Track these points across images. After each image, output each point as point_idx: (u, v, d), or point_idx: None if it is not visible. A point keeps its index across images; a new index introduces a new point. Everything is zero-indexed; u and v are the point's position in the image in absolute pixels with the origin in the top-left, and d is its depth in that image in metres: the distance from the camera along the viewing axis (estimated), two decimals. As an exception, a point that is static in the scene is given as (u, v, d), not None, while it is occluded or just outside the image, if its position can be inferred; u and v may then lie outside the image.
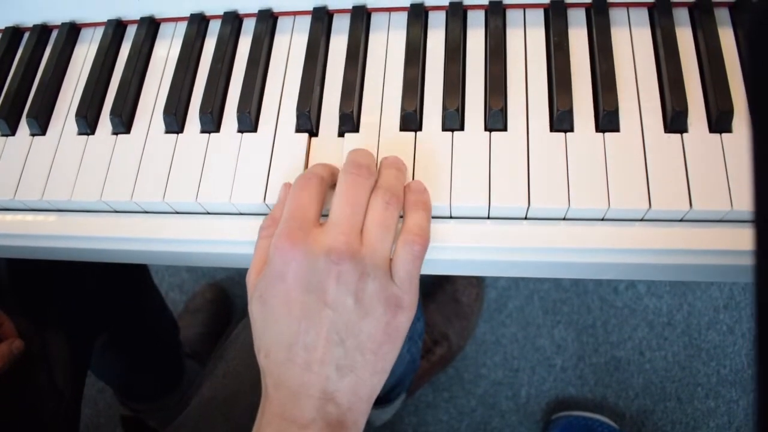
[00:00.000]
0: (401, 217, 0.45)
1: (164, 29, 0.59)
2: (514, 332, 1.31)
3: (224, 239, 0.51)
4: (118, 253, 0.55)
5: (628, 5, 0.52)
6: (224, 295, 1.36)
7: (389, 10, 0.55)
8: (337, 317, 0.41)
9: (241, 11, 0.57)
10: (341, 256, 0.40)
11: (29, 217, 0.54)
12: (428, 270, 0.50)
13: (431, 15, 0.54)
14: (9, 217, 0.54)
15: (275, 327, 0.42)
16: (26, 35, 0.61)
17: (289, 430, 0.40)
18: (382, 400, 1.09)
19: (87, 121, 0.54)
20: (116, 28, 0.59)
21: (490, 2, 0.53)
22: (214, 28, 0.58)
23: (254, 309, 0.44)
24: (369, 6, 0.55)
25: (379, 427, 1.24)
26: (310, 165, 0.50)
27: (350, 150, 0.47)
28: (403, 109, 0.50)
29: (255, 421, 0.43)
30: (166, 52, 0.58)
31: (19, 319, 0.70)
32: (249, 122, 0.52)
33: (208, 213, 0.52)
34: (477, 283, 1.31)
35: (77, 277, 0.82)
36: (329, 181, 0.46)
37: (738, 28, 0.50)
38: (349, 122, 0.50)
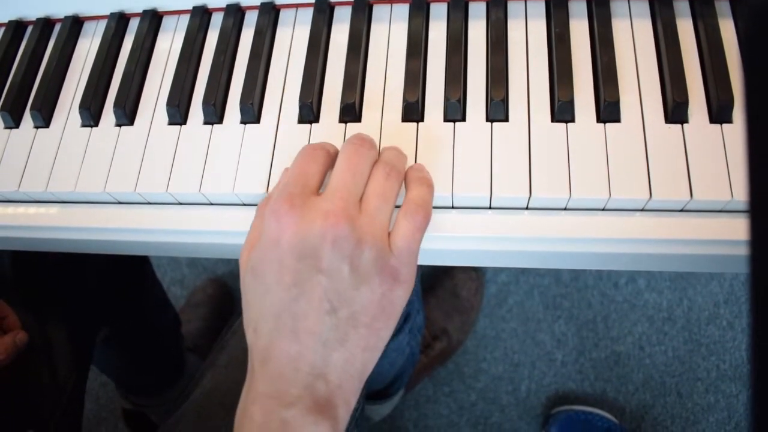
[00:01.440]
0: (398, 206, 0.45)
1: (167, 22, 0.59)
2: (514, 327, 1.31)
3: (227, 230, 0.51)
4: (121, 244, 0.55)
5: (629, -3, 0.53)
6: (225, 290, 1.36)
7: (391, 1, 0.55)
8: (330, 284, 0.39)
9: (243, 4, 0.58)
10: (338, 220, 0.39)
11: (33, 208, 0.54)
12: (430, 260, 0.51)
13: (433, 6, 0.55)
14: (13, 208, 0.55)
15: (265, 297, 0.40)
16: (29, 28, 0.62)
17: (274, 409, 0.38)
18: (381, 394, 1.10)
19: (90, 113, 0.55)
20: (119, 22, 0.59)
21: (491, -6, 0.53)
22: (216, 21, 0.58)
23: (246, 281, 0.42)
24: (371, -2, 0.56)
25: (379, 421, 1.25)
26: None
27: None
28: (405, 100, 0.50)
29: (240, 400, 0.41)
30: (169, 44, 0.58)
31: (22, 312, 0.70)
32: (252, 113, 0.52)
33: (212, 204, 0.52)
34: (476, 277, 1.31)
35: (80, 271, 0.82)
36: (334, 158, 0.45)
37: (738, 19, 0.51)
38: (351, 113, 0.51)
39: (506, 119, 0.49)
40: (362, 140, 0.44)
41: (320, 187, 0.43)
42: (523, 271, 1.34)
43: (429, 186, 0.45)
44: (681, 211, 0.46)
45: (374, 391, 1.08)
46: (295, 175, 0.42)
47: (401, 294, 0.42)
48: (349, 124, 0.51)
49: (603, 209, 0.47)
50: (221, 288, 1.36)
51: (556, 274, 1.33)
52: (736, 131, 0.47)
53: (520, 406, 1.26)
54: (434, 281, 1.33)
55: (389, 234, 0.42)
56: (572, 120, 0.48)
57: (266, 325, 0.40)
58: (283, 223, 0.40)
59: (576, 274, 1.33)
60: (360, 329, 0.40)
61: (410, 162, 0.48)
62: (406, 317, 0.77)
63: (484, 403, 1.27)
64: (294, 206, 0.40)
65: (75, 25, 0.61)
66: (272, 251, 0.40)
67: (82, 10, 0.61)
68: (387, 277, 0.40)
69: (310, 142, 0.51)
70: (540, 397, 1.26)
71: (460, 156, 0.48)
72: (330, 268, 0.39)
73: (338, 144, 0.50)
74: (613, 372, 1.26)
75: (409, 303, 0.76)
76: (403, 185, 0.46)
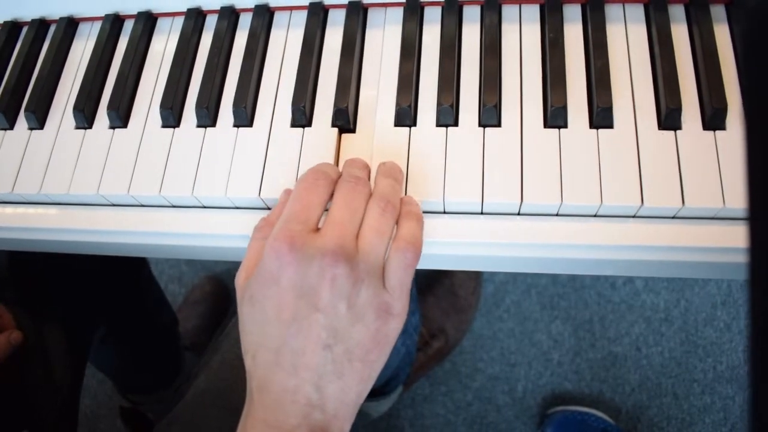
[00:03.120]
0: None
1: (161, 24, 0.59)
2: (511, 327, 1.31)
3: (220, 233, 0.51)
4: (115, 246, 0.55)
5: (623, 1, 0.53)
6: (223, 288, 1.36)
7: (385, 5, 0.55)
8: (327, 322, 0.40)
9: (238, 6, 0.58)
10: (337, 259, 0.40)
11: (27, 210, 0.54)
12: (422, 265, 0.50)
13: (427, 10, 0.55)
14: (8, 209, 0.55)
15: (264, 329, 0.42)
16: (24, 29, 0.62)
17: None
18: (379, 392, 1.10)
19: (84, 116, 0.55)
20: (114, 23, 0.59)
21: (485, -2, 0.53)
22: (210, 23, 0.58)
23: (244, 310, 0.43)
24: (365, 1, 0.55)
25: (376, 419, 1.25)
26: (304, 159, 0.50)
27: (347, 160, 0.48)
28: (397, 104, 0.50)
29: (239, 424, 0.42)
30: (163, 46, 0.58)
31: (17, 311, 0.70)
32: (245, 117, 0.52)
33: (205, 207, 0.52)
34: (474, 276, 1.31)
35: (76, 270, 0.82)
36: (335, 182, 0.46)
37: (734, 25, 0.51)
38: (344, 117, 0.51)
39: (499, 124, 0.49)
40: (357, 179, 0.45)
41: (320, 220, 0.44)
42: (518, 271, 1.34)
43: (418, 220, 0.46)
44: (673, 218, 0.46)
45: (371, 389, 1.08)
46: (296, 210, 0.43)
47: (395, 326, 0.43)
48: (341, 130, 0.51)
49: (595, 215, 0.47)
50: (219, 286, 1.36)
51: (553, 275, 1.33)
52: (729, 138, 0.46)
53: (516, 406, 1.26)
54: (432, 280, 1.33)
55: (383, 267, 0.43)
56: (565, 126, 0.48)
57: (265, 356, 0.41)
58: (284, 262, 0.41)
59: (573, 275, 1.33)
60: (355, 363, 0.41)
61: (403, 169, 0.48)
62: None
63: (480, 402, 1.27)
64: (294, 246, 0.41)
65: (70, 26, 0.61)
66: (271, 287, 0.41)
67: (77, 12, 0.61)
68: (381, 313, 0.42)
69: (303, 146, 0.51)
70: (536, 397, 1.26)
71: (452, 161, 0.48)
72: (327, 307, 0.40)
73: (331, 151, 0.50)
74: (609, 372, 1.26)
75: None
76: None
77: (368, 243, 0.42)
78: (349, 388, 0.41)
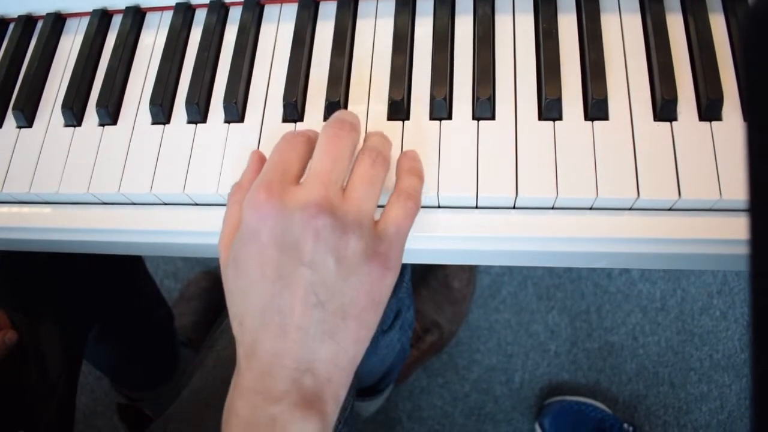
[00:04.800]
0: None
1: (150, 19, 0.59)
2: (507, 318, 1.31)
3: (212, 230, 0.51)
4: (107, 244, 0.54)
5: (618, -9, 0.52)
6: (219, 283, 1.35)
7: (377, -3, 0.55)
8: (315, 277, 0.38)
9: (227, 0, 0.57)
10: (319, 209, 0.37)
11: (19, 209, 0.54)
12: (416, 259, 0.50)
13: (419, 2, 0.54)
14: (-2, 209, 0.54)
15: (249, 291, 0.39)
16: (11, 26, 0.61)
17: (261, 404, 0.37)
18: (371, 390, 1.10)
19: (73, 113, 0.54)
20: (101, 18, 0.59)
21: (478, -11, 0.53)
22: (200, 18, 0.57)
23: (228, 275, 0.41)
24: (356, -7, 0.55)
25: (373, 413, 1.25)
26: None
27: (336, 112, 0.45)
28: (390, 98, 0.49)
29: (227, 396, 0.40)
30: (152, 41, 0.57)
31: (12, 310, 0.70)
32: (236, 112, 0.51)
33: (196, 204, 0.51)
34: (469, 267, 1.30)
35: (70, 268, 0.82)
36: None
37: (729, 15, 0.50)
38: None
39: (493, 117, 0.48)
40: (342, 122, 0.42)
41: (301, 175, 0.42)
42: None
43: (420, 178, 0.44)
44: (669, 210, 0.46)
45: (364, 387, 1.08)
46: (273, 163, 0.41)
47: (390, 282, 0.41)
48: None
49: (590, 208, 0.47)
50: (215, 281, 1.36)
51: (549, 266, 1.33)
52: (725, 129, 0.46)
53: (513, 396, 1.26)
54: (426, 272, 1.33)
55: (377, 220, 0.41)
56: (560, 118, 0.48)
57: (252, 320, 0.39)
58: (263, 213, 0.38)
59: (570, 266, 1.33)
60: (349, 321, 0.39)
61: (394, 160, 0.48)
62: (396, 314, 0.76)
63: (477, 393, 1.27)
64: (272, 195, 0.38)
65: (57, 22, 0.60)
66: (253, 244, 0.39)
67: (65, 7, 0.60)
68: (377, 266, 0.39)
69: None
70: (533, 387, 1.26)
71: (446, 155, 0.47)
72: (313, 261, 0.38)
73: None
74: (606, 362, 1.26)
75: (400, 300, 0.75)
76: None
77: (357, 193, 0.40)
78: (343, 349, 0.39)
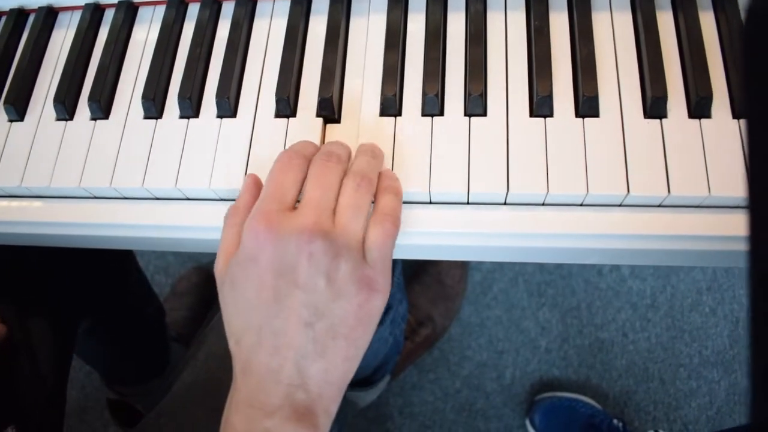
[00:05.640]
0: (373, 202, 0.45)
1: (143, 13, 0.58)
2: (498, 314, 1.32)
3: (204, 225, 0.51)
4: (98, 239, 0.54)
5: (609, -11, 0.52)
6: (210, 279, 1.35)
7: (370, -7, 0.55)
8: (308, 299, 0.40)
9: (220, -6, 0.57)
10: (312, 235, 0.40)
11: (9, 203, 0.54)
12: (408, 255, 0.51)
13: (412, -1, 0.54)
14: (-12, 203, 0.54)
15: (246, 312, 0.42)
16: (2, 19, 0.60)
17: (256, 418, 0.39)
18: (366, 382, 1.10)
19: (65, 107, 0.54)
20: (94, 12, 0.58)
21: (471, -14, 0.53)
22: (193, 12, 0.57)
23: (225, 294, 0.43)
24: (349, -11, 0.55)
25: (364, 408, 1.25)
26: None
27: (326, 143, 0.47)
28: (382, 94, 0.50)
29: (224, 409, 0.42)
30: (145, 36, 0.57)
31: (1, 304, 0.69)
32: (228, 107, 0.51)
33: (188, 199, 0.51)
34: (461, 264, 1.31)
35: (61, 262, 0.82)
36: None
37: (719, 13, 0.50)
38: (329, 107, 0.50)
39: (484, 114, 0.49)
40: (329, 155, 0.45)
41: (296, 199, 0.44)
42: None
43: (397, 194, 0.46)
44: (659, 206, 0.46)
45: (359, 379, 1.08)
46: (272, 190, 0.43)
47: (378, 303, 0.43)
48: (326, 120, 0.50)
49: (581, 204, 0.47)
50: (206, 277, 1.36)
51: (540, 262, 1.34)
52: (714, 126, 0.47)
53: (504, 392, 1.27)
54: (419, 268, 1.33)
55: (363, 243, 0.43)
56: (551, 115, 0.48)
57: (248, 339, 0.41)
58: (261, 242, 0.41)
59: (560, 262, 1.33)
60: (339, 340, 0.41)
61: (387, 157, 0.48)
62: (387, 309, 0.77)
63: (468, 389, 1.28)
64: (271, 225, 0.41)
65: (49, 15, 0.59)
66: (251, 268, 0.41)
67: (57, 1, 0.59)
68: (363, 287, 0.41)
69: (287, 136, 0.50)
70: (524, 383, 1.27)
71: (438, 151, 0.48)
72: (307, 283, 0.40)
73: (316, 140, 0.49)
74: (596, 359, 1.27)
75: (391, 295, 0.75)
76: None
77: (344, 218, 0.42)
78: (333, 366, 0.41)
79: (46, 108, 0.55)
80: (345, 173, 0.45)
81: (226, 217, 0.47)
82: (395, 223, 0.44)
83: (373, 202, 0.45)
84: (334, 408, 0.42)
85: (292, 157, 0.45)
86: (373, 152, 0.47)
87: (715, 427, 1.23)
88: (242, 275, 0.42)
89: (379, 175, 0.46)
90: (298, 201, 0.44)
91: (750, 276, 0.25)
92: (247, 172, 0.49)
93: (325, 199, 0.42)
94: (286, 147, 0.50)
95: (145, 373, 1.15)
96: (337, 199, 0.43)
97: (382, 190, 0.45)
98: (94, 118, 0.54)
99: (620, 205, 0.47)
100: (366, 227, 0.43)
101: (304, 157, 0.45)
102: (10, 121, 0.55)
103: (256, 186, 0.47)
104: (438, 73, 0.50)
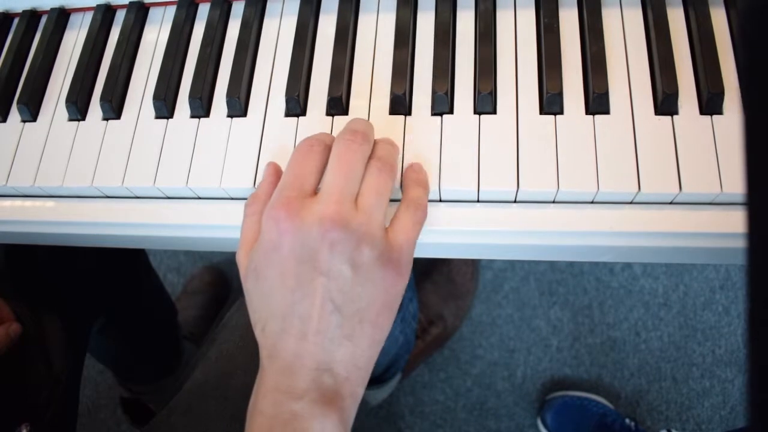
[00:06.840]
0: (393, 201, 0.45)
1: (153, 14, 0.59)
2: (510, 313, 1.31)
3: (215, 224, 0.51)
4: (110, 238, 0.55)
5: (619, -14, 0.52)
6: (222, 278, 1.36)
7: (379, -8, 0.55)
8: (331, 285, 0.40)
9: (230, -6, 0.57)
10: (333, 224, 0.40)
11: (22, 203, 0.54)
12: (418, 253, 0.50)
13: (421, -3, 0.54)
14: (3, 203, 0.54)
15: (270, 299, 0.42)
16: (16, 21, 0.61)
17: (284, 401, 0.40)
18: (377, 380, 1.10)
19: (77, 108, 0.54)
20: (105, 14, 0.59)
21: (480, -16, 0.53)
22: (203, 12, 0.57)
23: (249, 284, 0.43)
24: (359, -12, 0.55)
25: (375, 407, 1.26)
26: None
27: (350, 119, 0.47)
28: (392, 92, 0.50)
29: (250, 397, 0.42)
30: (156, 37, 0.58)
31: (16, 303, 0.70)
32: (238, 107, 0.52)
33: (199, 198, 0.52)
34: (472, 263, 1.31)
35: (74, 262, 0.82)
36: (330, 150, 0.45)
37: (731, 9, 0.50)
38: (338, 106, 0.50)
39: (494, 111, 0.49)
40: (354, 134, 0.44)
41: (317, 185, 0.44)
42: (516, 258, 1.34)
43: (425, 188, 0.46)
44: (671, 203, 0.46)
45: (370, 376, 1.08)
46: (291, 178, 0.43)
47: (401, 288, 0.43)
48: (336, 118, 0.51)
49: (592, 202, 0.47)
50: (218, 275, 1.36)
51: (551, 261, 1.33)
52: (726, 123, 0.46)
53: (515, 391, 1.26)
54: (430, 267, 1.33)
55: (388, 228, 0.43)
56: (561, 112, 0.48)
57: (274, 325, 0.41)
58: (282, 229, 0.41)
59: (571, 261, 1.33)
60: (365, 324, 0.41)
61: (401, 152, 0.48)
62: (397, 308, 0.77)
63: (479, 388, 1.27)
64: (291, 212, 0.41)
65: (61, 17, 0.60)
66: (273, 256, 0.41)
67: (69, 2, 0.60)
68: (390, 272, 0.42)
69: (297, 135, 0.50)
70: (535, 382, 1.26)
71: (448, 149, 0.48)
72: (329, 270, 0.40)
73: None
74: (608, 358, 1.26)
75: (401, 294, 0.76)
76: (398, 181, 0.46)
77: (368, 204, 0.42)
78: (360, 350, 0.42)
79: (58, 108, 0.56)
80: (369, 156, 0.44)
81: (246, 206, 0.47)
82: (424, 213, 0.44)
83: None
84: (360, 391, 0.42)
85: (313, 144, 0.44)
86: (390, 141, 0.47)
87: (729, 427, 1.22)
88: (265, 263, 0.42)
89: (408, 166, 0.47)
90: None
91: (749, 275, 0.25)
92: (259, 170, 0.49)
93: (347, 184, 0.42)
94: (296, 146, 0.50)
95: (157, 371, 1.16)
96: (359, 182, 0.43)
97: (412, 181, 0.46)
98: (105, 118, 0.54)
99: (631, 203, 0.46)
100: (386, 212, 0.43)
101: (325, 145, 0.45)
102: (23, 121, 0.56)
103: (276, 174, 0.47)
104: (447, 71, 0.50)
